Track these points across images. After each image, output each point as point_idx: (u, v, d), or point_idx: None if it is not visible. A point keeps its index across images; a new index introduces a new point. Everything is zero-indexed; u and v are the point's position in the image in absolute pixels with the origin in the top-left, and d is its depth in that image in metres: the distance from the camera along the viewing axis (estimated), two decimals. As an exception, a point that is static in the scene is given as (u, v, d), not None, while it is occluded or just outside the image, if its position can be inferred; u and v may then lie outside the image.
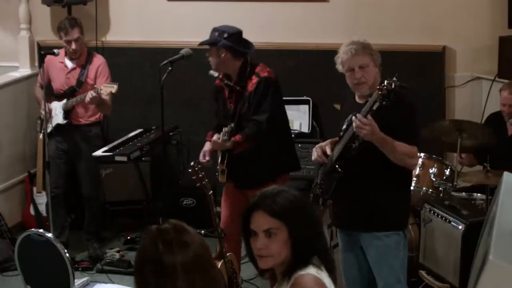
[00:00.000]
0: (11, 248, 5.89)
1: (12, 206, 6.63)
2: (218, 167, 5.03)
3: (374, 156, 3.98)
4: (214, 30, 4.99)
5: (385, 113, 3.91)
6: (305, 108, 6.36)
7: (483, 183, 5.15)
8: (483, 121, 6.05)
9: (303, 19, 6.55)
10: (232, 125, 4.80)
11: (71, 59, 6.06)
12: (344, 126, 4.15)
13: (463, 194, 5.42)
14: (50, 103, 6.07)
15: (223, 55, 4.93)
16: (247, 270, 5.31)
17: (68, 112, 6.03)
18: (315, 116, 6.46)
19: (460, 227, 4.82)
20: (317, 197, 4.36)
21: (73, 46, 5.96)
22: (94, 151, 5.97)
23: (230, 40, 4.92)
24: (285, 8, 6.59)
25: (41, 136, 6.23)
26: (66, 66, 6.07)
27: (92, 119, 6.09)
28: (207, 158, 5.06)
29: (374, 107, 3.89)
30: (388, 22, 6.38)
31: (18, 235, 4.03)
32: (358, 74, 4.04)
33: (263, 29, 6.58)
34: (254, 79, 4.93)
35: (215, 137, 4.87)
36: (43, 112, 5.96)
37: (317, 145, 4.29)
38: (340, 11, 6.48)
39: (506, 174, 4.07)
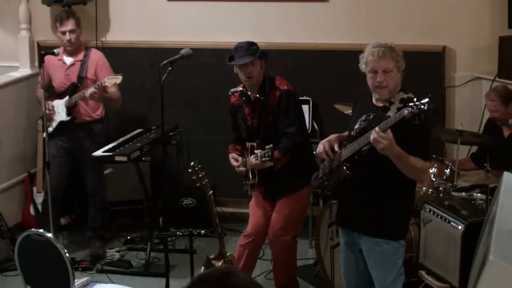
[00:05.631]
0: (11, 248, 5.89)
1: (12, 206, 6.63)
2: (249, 181, 5.05)
3: (382, 161, 3.93)
4: (251, 44, 4.96)
5: (403, 125, 3.82)
6: (305, 108, 6.35)
7: (483, 183, 5.16)
8: (482, 124, 6.05)
9: (303, 19, 6.55)
10: (271, 145, 4.76)
11: (69, 54, 6.05)
12: (357, 125, 4.11)
13: (463, 194, 5.42)
14: (52, 102, 6.08)
15: (263, 66, 5.00)
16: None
17: (70, 109, 6.02)
18: (315, 116, 6.46)
19: (460, 227, 4.82)
20: (319, 187, 4.35)
21: (67, 36, 5.95)
22: (97, 147, 5.98)
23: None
24: (285, 8, 6.59)
25: (44, 135, 6.22)
26: (64, 63, 6.07)
27: (94, 116, 6.10)
28: (242, 168, 5.09)
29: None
30: (388, 22, 6.38)
31: (18, 235, 4.02)
32: (381, 78, 3.99)
33: (263, 29, 6.58)
34: (275, 93, 4.97)
35: (252, 158, 4.85)
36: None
37: (324, 140, 4.21)
38: (340, 11, 6.49)
39: (506, 174, 4.07)
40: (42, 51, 5.88)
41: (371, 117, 4.06)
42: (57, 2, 6.55)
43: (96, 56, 6.09)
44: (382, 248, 4.12)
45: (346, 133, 4.28)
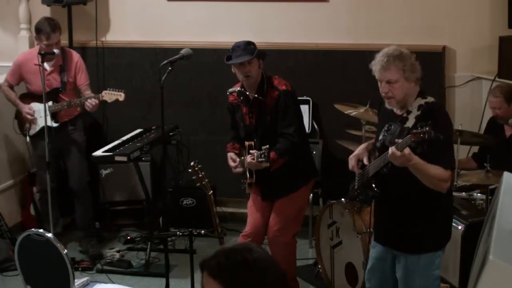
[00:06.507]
0: (11, 248, 5.89)
1: (12, 206, 6.63)
2: (246, 180, 5.02)
3: (409, 175, 3.82)
4: (248, 43, 4.92)
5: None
6: (305, 108, 6.37)
7: (483, 183, 5.15)
8: (482, 124, 6.05)
9: (303, 19, 6.56)
10: (268, 146, 4.72)
11: (47, 60, 5.83)
12: (381, 136, 4.03)
13: (463, 194, 5.42)
14: (28, 104, 6.02)
15: (261, 66, 4.97)
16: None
17: (55, 114, 5.98)
18: (315, 116, 6.47)
19: (460, 227, 4.82)
20: (354, 200, 4.28)
21: (53, 49, 5.82)
22: (80, 144, 6.04)
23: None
24: (285, 8, 6.59)
25: (28, 139, 6.15)
26: (44, 69, 5.94)
27: (75, 113, 6.10)
28: (238, 169, 5.07)
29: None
30: (388, 22, 6.39)
31: (18, 235, 4.03)
32: (385, 89, 3.90)
33: (263, 29, 6.58)
34: (274, 93, 4.94)
35: (249, 158, 4.82)
36: (25, 113, 5.96)
37: (352, 155, 4.14)
38: (340, 11, 6.49)
39: (506, 174, 4.06)
40: (42, 51, 5.87)
41: (392, 127, 3.97)
42: (57, 2, 6.55)
43: (74, 58, 6.05)
44: (416, 262, 3.98)
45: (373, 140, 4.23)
